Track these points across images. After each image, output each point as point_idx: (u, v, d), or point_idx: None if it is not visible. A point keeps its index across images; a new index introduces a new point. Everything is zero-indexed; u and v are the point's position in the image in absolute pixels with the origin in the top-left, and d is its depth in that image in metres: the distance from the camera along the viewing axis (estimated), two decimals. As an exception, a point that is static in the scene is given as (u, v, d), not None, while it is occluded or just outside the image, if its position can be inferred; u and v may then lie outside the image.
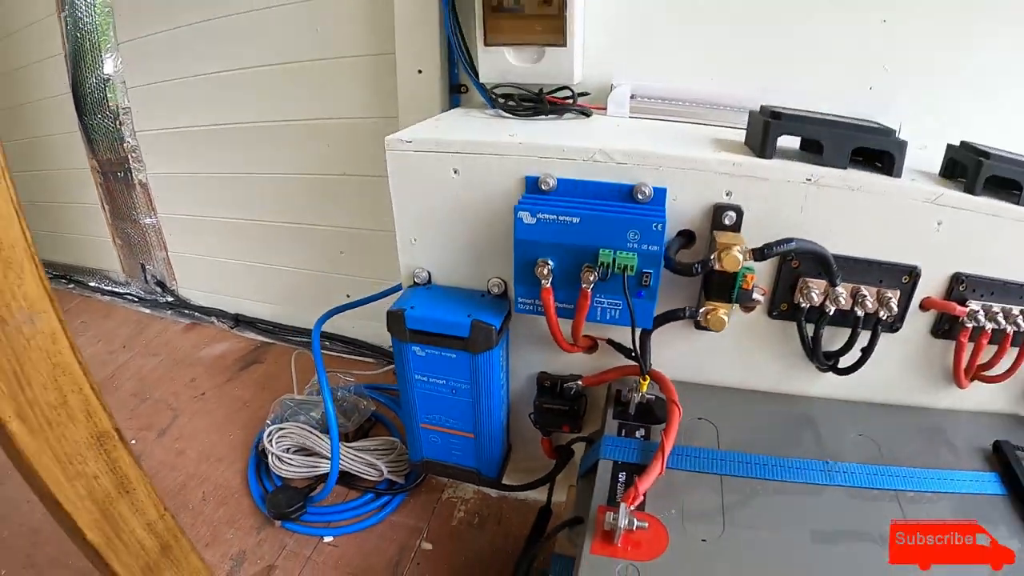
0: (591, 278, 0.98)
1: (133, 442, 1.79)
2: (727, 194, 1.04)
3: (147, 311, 2.57)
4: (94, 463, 0.84)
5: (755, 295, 1.01)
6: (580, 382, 1.24)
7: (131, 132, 2.24)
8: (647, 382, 1.09)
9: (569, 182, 1.05)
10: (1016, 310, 1.08)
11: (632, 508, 0.89)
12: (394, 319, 1.14)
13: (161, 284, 2.52)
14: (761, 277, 1.08)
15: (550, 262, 1.00)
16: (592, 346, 1.18)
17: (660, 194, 1.03)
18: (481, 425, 1.23)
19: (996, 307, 1.08)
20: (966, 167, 1.05)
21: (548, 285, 1.01)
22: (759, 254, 0.97)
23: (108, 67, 2.15)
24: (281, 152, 1.97)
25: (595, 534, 0.88)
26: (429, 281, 1.22)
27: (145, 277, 2.54)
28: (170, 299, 2.54)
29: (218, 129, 2.05)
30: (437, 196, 1.14)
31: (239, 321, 2.38)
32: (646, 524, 0.88)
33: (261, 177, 2.07)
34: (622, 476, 1.00)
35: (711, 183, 1.04)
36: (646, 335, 1.09)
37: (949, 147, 1.11)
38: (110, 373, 2.13)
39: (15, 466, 0.79)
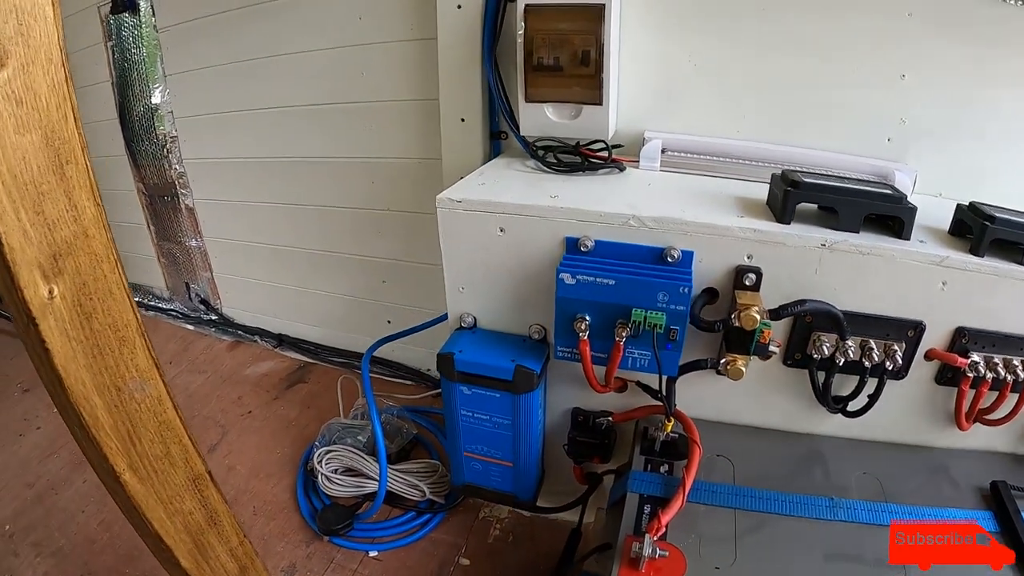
0: (624, 333, 1.09)
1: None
2: (748, 257, 1.14)
3: (191, 327, 2.65)
4: (190, 501, 0.96)
5: (771, 348, 1.10)
6: (611, 418, 1.34)
7: (178, 159, 2.33)
8: (671, 423, 1.20)
9: (606, 244, 1.16)
10: (1017, 360, 1.14)
11: (655, 538, 0.99)
12: (444, 362, 1.25)
13: (205, 302, 2.61)
14: (777, 329, 1.17)
15: (587, 318, 1.11)
16: (623, 387, 1.28)
17: (688, 256, 1.13)
18: (519, 455, 1.33)
19: (997, 358, 1.14)
20: (972, 228, 1.12)
21: (585, 338, 1.12)
22: (775, 314, 1.09)
23: (156, 97, 2.24)
24: (327, 185, 2.05)
25: (622, 561, 0.99)
26: (475, 325, 1.33)
27: (189, 295, 2.63)
28: (214, 317, 2.61)
29: (266, 161, 2.13)
30: (484, 251, 1.24)
31: (283, 341, 2.45)
32: (667, 553, 0.99)
33: (307, 208, 2.14)
34: (647, 508, 1.10)
35: (734, 247, 1.13)
36: (671, 381, 1.19)
37: (958, 208, 1.18)
38: (159, 389, 2.21)
39: (121, 508, 0.91)
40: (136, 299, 2.65)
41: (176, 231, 2.49)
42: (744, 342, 1.10)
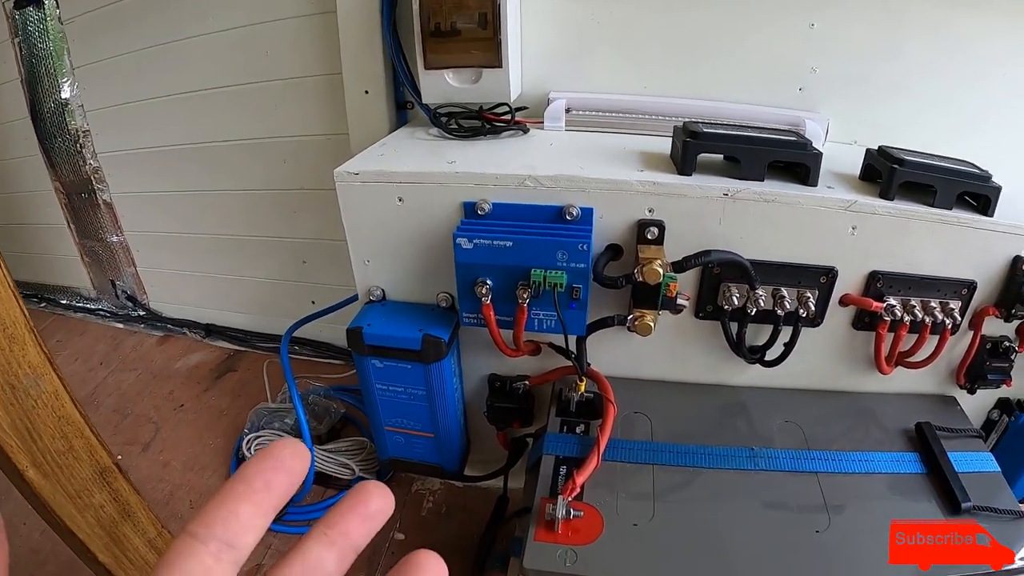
0: (525, 295, 1.07)
1: (120, 457, 1.81)
2: (649, 211, 1.12)
3: (120, 325, 2.58)
4: (99, 495, 0.95)
5: (679, 301, 1.10)
6: (527, 382, 1.33)
7: (92, 154, 2.25)
8: (584, 383, 1.19)
9: (503, 206, 1.14)
10: (935, 302, 1.15)
11: (570, 499, 0.98)
12: (353, 336, 1.22)
13: (132, 299, 2.54)
14: (686, 283, 1.17)
15: (488, 282, 1.09)
16: (536, 349, 1.27)
17: (587, 213, 1.12)
18: (439, 425, 1.32)
19: (914, 300, 1.15)
20: (882, 172, 1.12)
21: (488, 302, 1.10)
22: (678, 266, 1.08)
23: (65, 92, 2.15)
24: (240, 169, 2.00)
25: (538, 523, 0.98)
26: (383, 298, 1.30)
27: (116, 293, 2.55)
28: (142, 313, 2.55)
29: (178, 149, 2.07)
30: (385, 222, 1.21)
31: (211, 331, 2.40)
32: (582, 512, 0.98)
33: (223, 193, 2.09)
34: (563, 470, 1.09)
35: (634, 201, 1.12)
36: (581, 340, 1.18)
37: (868, 152, 1.18)
38: (91, 391, 2.17)
39: (32, 506, 0.90)
40: (64, 301, 2.62)
41: (96, 228, 2.41)
42: (650, 297, 1.09)
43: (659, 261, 1.04)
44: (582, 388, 1.20)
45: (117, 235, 2.41)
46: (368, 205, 1.20)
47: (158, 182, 2.20)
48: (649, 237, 1.13)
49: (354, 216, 1.23)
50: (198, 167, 2.08)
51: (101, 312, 2.64)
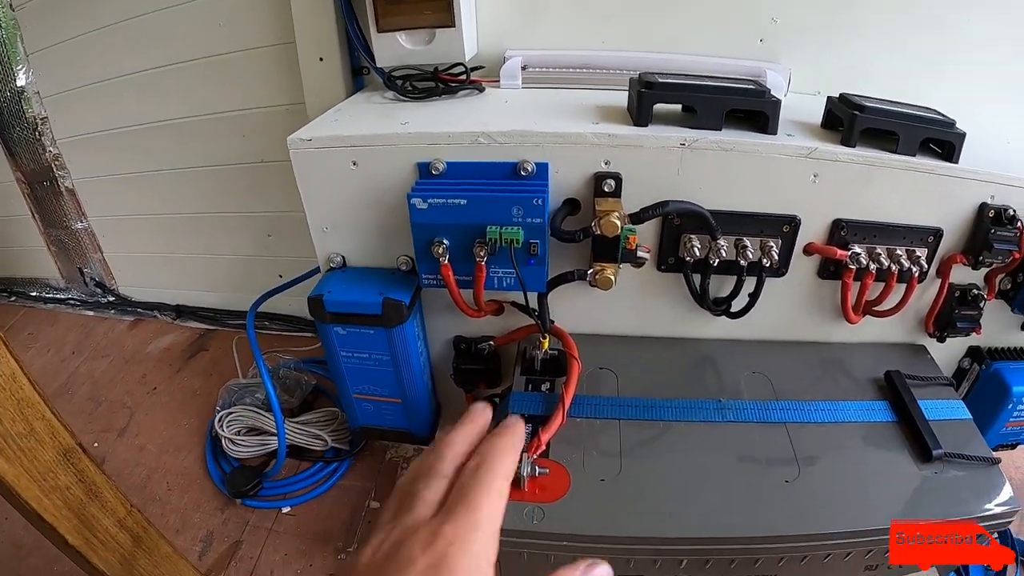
0: (483, 253, 1.06)
1: (96, 445, 1.84)
2: (605, 163, 1.11)
3: (91, 313, 2.55)
4: (64, 476, 0.93)
5: (640, 254, 1.09)
6: (492, 342, 1.33)
7: (51, 141, 2.21)
8: (547, 340, 1.19)
9: (457, 164, 1.12)
10: (900, 250, 1.14)
11: (535, 457, 0.98)
12: (314, 304, 1.20)
13: (101, 285, 2.51)
14: (646, 236, 1.16)
15: (445, 241, 1.07)
16: (499, 309, 1.26)
17: (543, 168, 1.11)
18: (406, 390, 1.31)
19: (880, 248, 1.15)
20: (843, 119, 1.11)
21: (446, 262, 1.08)
22: (636, 218, 1.06)
23: (20, 79, 2.10)
24: (200, 145, 1.98)
25: (504, 482, 0.97)
26: (344, 265, 1.28)
27: (84, 280, 2.52)
28: (111, 299, 2.52)
29: (136, 130, 2.04)
30: (341, 187, 1.19)
31: (181, 312, 2.39)
32: (547, 470, 0.98)
33: (184, 171, 2.06)
34: (529, 428, 1.07)
35: (589, 154, 1.10)
36: (542, 297, 1.17)
37: (829, 100, 1.17)
38: (64, 380, 2.15)
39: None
40: (34, 293, 2.58)
41: (60, 216, 2.37)
42: (610, 250, 1.08)
43: (617, 213, 1.03)
44: (545, 345, 1.19)
45: (82, 221, 2.38)
46: (323, 171, 1.18)
47: (119, 164, 2.17)
48: (606, 190, 1.11)
49: (309, 183, 1.20)
50: (157, 146, 2.05)
51: (71, 301, 2.61)
